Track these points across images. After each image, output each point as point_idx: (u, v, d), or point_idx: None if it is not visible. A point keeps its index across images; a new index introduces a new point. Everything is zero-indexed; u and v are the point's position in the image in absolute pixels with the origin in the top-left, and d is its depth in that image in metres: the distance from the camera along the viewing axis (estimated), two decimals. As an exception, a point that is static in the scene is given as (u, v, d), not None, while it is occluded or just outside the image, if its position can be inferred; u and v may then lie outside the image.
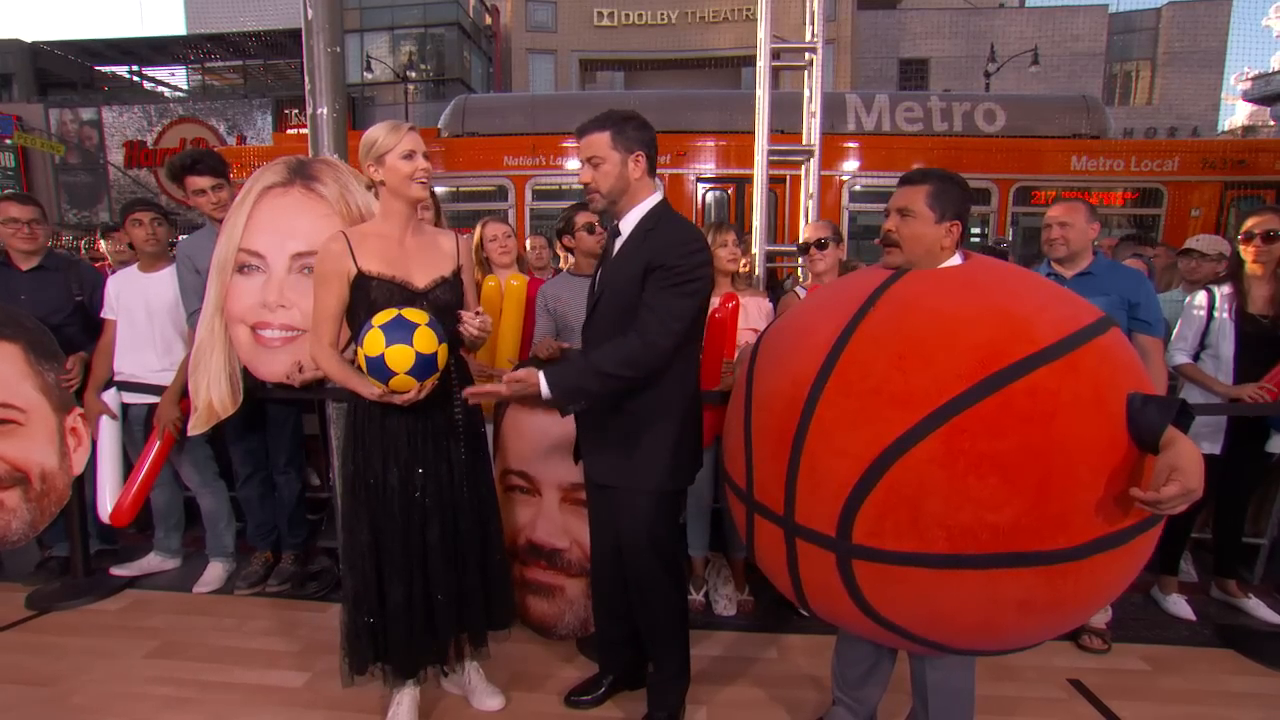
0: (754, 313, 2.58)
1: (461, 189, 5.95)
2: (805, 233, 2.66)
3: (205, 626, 2.51)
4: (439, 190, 5.69)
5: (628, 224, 1.77)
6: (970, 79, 18.45)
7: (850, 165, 5.54)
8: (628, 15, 20.13)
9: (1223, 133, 19.58)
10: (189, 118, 18.01)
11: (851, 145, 5.53)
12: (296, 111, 18.61)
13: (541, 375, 1.62)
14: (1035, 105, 6.21)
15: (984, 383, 1.16)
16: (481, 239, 2.70)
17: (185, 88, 22.67)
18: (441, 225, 2.66)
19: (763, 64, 2.91)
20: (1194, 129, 18.32)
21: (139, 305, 2.81)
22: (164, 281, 2.79)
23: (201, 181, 2.62)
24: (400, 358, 1.55)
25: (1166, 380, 2.39)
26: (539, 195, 5.76)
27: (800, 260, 3.04)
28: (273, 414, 2.86)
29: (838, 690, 1.79)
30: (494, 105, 6.66)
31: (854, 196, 5.52)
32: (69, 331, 2.80)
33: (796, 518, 1.34)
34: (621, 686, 2.07)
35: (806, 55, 3.01)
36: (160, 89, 22.44)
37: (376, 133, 1.75)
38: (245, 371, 2.53)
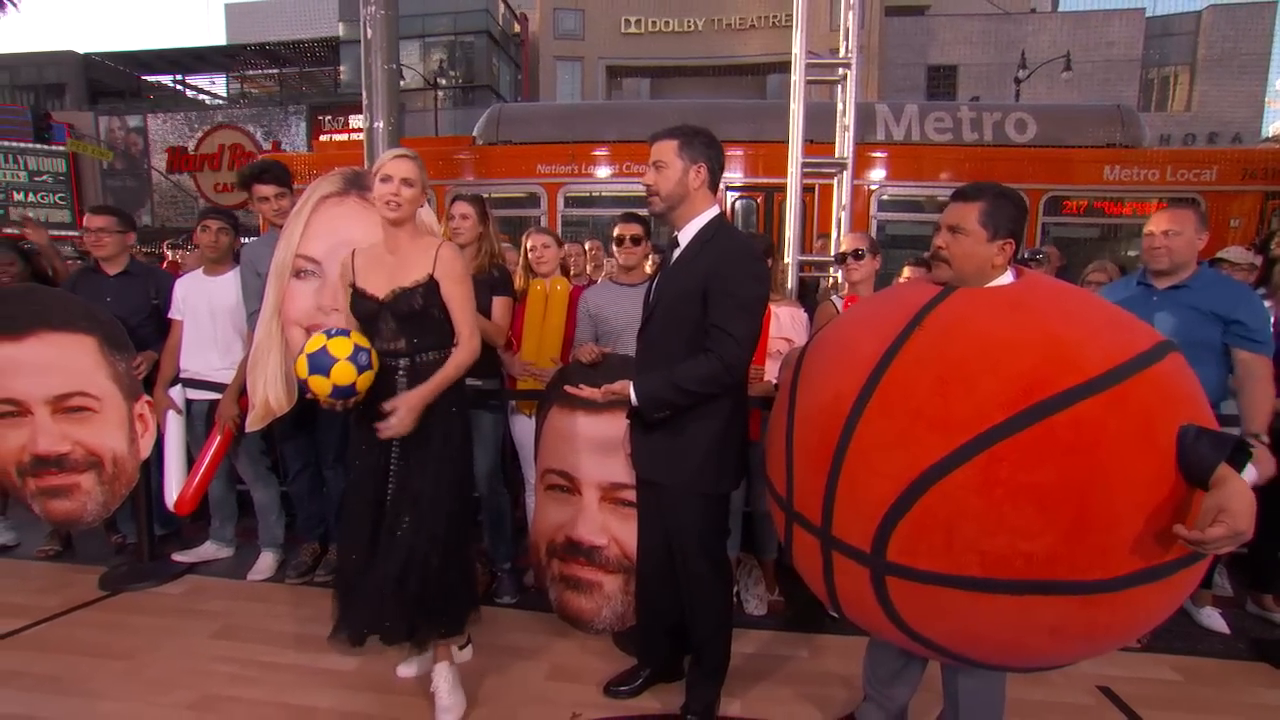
0: (786, 321, 2.66)
1: (494, 195, 6.09)
2: (842, 243, 2.73)
3: (260, 612, 2.64)
4: (469, 193, 5.86)
5: (686, 235, 1.85)
6: (1000, 86, 18.23)
7: (879, 174, 5.57)
8: (655, 23, 20.30)
9: (1265, 140, 19.02)
10: (228, 124, 18.59)
11: (880, 155, 5.56)
12: (329, 118, 19.13)
13: (632, 386, 1.76)
14: (1068, 115, 6.17)
15: (1026, 412, 1.15)
16: (525, 247, 2.82)
17: (225, 95, 23.40)
18: (487, 234, 2.77)
19: (797, 78, 2.99)
20: (1235, 136, 17.84)
21: (203, 307, 2.97)
22: (226, 285, 2.94)
23: (266, 190, 2.78)
24: (319, 387, 1.78)
25: (1275, 403, 2.20)
26: (571, 202, 5.88)
27: (834, 270, 3.11)
28: (321, 413, 2.99)
29: (868, 686, 1.84)
30: (527, 114, 6.82)
31: (882, 205, 5.54)
32: (144, 332, 2.99)
33: (834, 531, 1.37)
34: (658, 679, 2.15)
35: (840, 70, 3.08)
36: (201, 96, 23.20)
37: (382, 155, 1.94)
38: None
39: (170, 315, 3.00)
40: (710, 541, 1.91)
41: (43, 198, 14.13)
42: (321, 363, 1.75)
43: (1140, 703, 2.10)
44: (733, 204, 5.85)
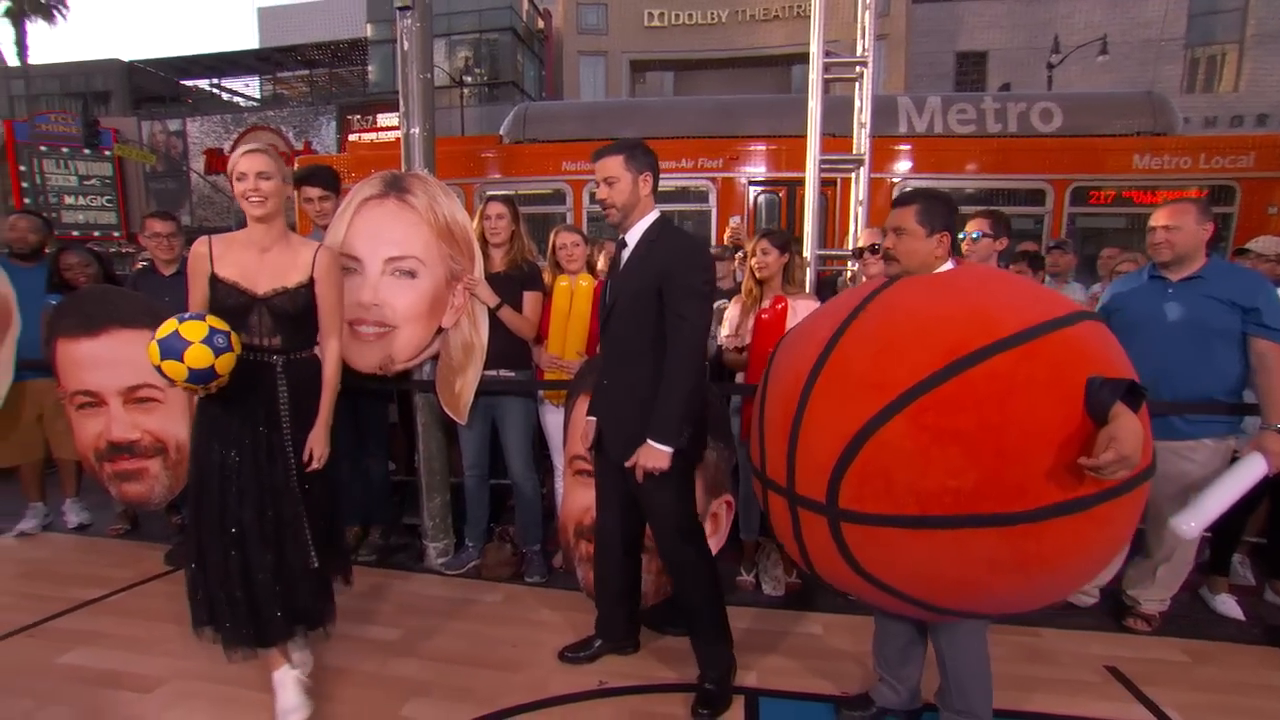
0: (803, 315, 2.74)
1: (521, 192, 6.24)
2: (860, 238, 2.81)
3: (309, 588, 2.84)
4: (502, 194, 6.02)
5: (633, 237, 2.04)
6: (1032, 72, 17.73)
7: (900, 167, 5.57)
8: (678, 16, 20.25)
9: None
10: (261, 125, 19.08)
11: (901, 148, 5.56)
12: (359, 117, 19.51)
13: (652, 444, 1.88)
14: (1096, 103, 6.08)
15: (946, 368, 1.33)
16: (554, 245, 2.95)
17: (258, 97, 24.01)
18: (518, 232, 2.92)
19: (815, 76, 3.07)
20: (1287, 116, 17.09)
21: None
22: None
23: (312, 192, 2.96)
24: (173, 372, 1.73)
25: None
26: (596, 199, 6.01)
27: (853, 264, 3.19)
28: (363, 404, 3.18)
29: (879, 669, 1.96)
30: (553, 112, 6.96)
31: (904, 198, 5.59)
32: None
33: (797, 489, 1.54)
34: (611, 650, 2.31)
35: (857, 68, 3.15)
36: (236, 99, 23.84)
37: (234, 154, 1.94)
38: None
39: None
40: (684, 513, 2.06)
41: (91, 200, 14.73)
42: (173, 347, 1.71)
43: (1145, 680, 2.17)
44: (755, 199, 5.91)
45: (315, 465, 1.98)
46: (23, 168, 13.60)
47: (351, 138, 16.78)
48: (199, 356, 1.72)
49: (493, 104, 19.33)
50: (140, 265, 3.36)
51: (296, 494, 1.95)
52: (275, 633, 1.89)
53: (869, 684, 2.04)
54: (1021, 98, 5.93)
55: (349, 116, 19.24)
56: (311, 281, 2.00)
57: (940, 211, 1.69)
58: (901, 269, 1.71)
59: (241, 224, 2.03)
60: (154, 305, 3.05)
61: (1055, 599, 1.58)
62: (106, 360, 2.88)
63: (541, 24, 22.67)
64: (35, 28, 20.56)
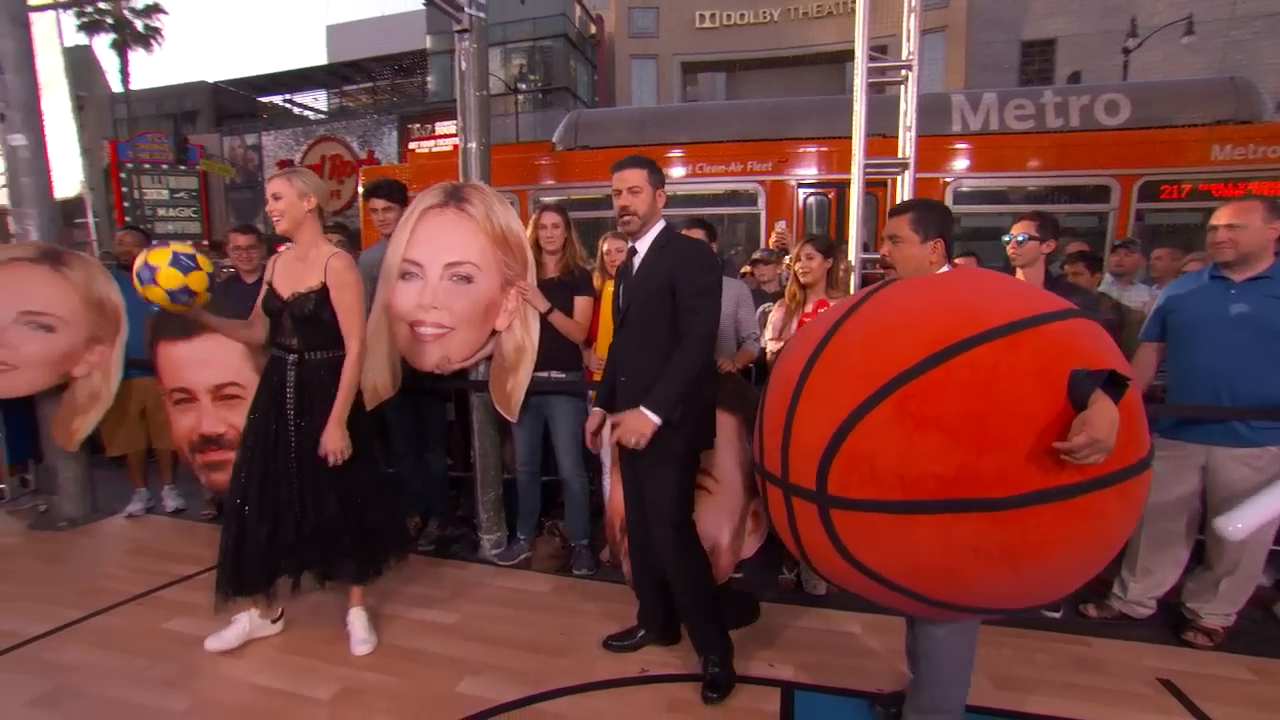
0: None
1: (573, 198, 6.41)
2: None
3: (375, 573, 3.05)
4: (552, 199, 6.22)
5: (643, 245, 2.17)
6: (1105, 59, 16.70)
7: (953, 166, 5.44)
8: (729, 16, 20.16)
9: None
10: (328, 137, 20.03)
11: (954, 147, 5.44)
12: (418, 125, 20.27)
13: (644, 410, 1.99)
14: (1169, 92, 5.75)
15: (930, 357, 1.37)
16: (603, 251, 3.08)
17: (326, 110, 25.26)
18: (570, 240, 3.06)
19: (859, 81, 3.08)
20: None
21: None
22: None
23: (377, 203, 3.18)
24: (154, 296, 2.01)
25: None
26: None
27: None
28: (424, 401, 3.39)
29: (910, 668, 1.97)
30: (604, 119, 7.11)
31: (958, 198, 5.43)
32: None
33: (790, 478, 1.58)
34: (653, 641, 2.40)
35: (902, 71, 3.14)
36: (306, 113, 25.17)
37: None
38: (403, 361, 3.04)
39: (298, 316, 3.49)
40: (679, 506, 2.15)
41: (180, 212, 15.89)
42: (143, 275, 1.98)
43: (1201, 695, 2.11)
44: (805, 201, 5.89)
45: (333, 461, 2.20)
46: (124, 185, 14.81)
47: (411, 145, 17.48)
48: (170, 277, 1.99)
49: (546, 109, 19.73)
50: (226, 274, 3.67)
51: (294, 479, 2.26)
52: (250, 587, 2.28)
53: (903, 683, 2.06)
54: (1085, 90, 5.70)
55: (409, 125, 20.00)
56: (324, 287, 2.20)
57: (934, 219, 1.76)
58: (900, 276, 1.78)
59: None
60: (239, 312, 3.35)
61: (1051, 596, 1.57)
62: (199, 361, 3.17)
63: (594, 29, 23.00)
64: (135, 56, 22.29)
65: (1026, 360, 1.34)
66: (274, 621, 2.49)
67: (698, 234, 2.86)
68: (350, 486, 2.31)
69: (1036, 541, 1.35)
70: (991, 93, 5.60)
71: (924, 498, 1.36)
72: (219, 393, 3.22)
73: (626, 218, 2.13)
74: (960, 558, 1.39)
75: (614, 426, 2.07)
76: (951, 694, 1.74)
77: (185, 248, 2.05)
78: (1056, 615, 2.61)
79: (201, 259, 2.06)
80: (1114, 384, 1.29)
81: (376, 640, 2.42)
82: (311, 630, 2.53)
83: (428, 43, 21.21)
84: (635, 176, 2.11)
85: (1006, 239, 2.58)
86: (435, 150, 15.71)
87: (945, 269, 1.76)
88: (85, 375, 3.54)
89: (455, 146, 3.26)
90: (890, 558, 1.48)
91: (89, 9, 20.05)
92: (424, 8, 2.91)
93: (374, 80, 24.66)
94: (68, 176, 6.07)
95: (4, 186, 5.73)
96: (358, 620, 2.43)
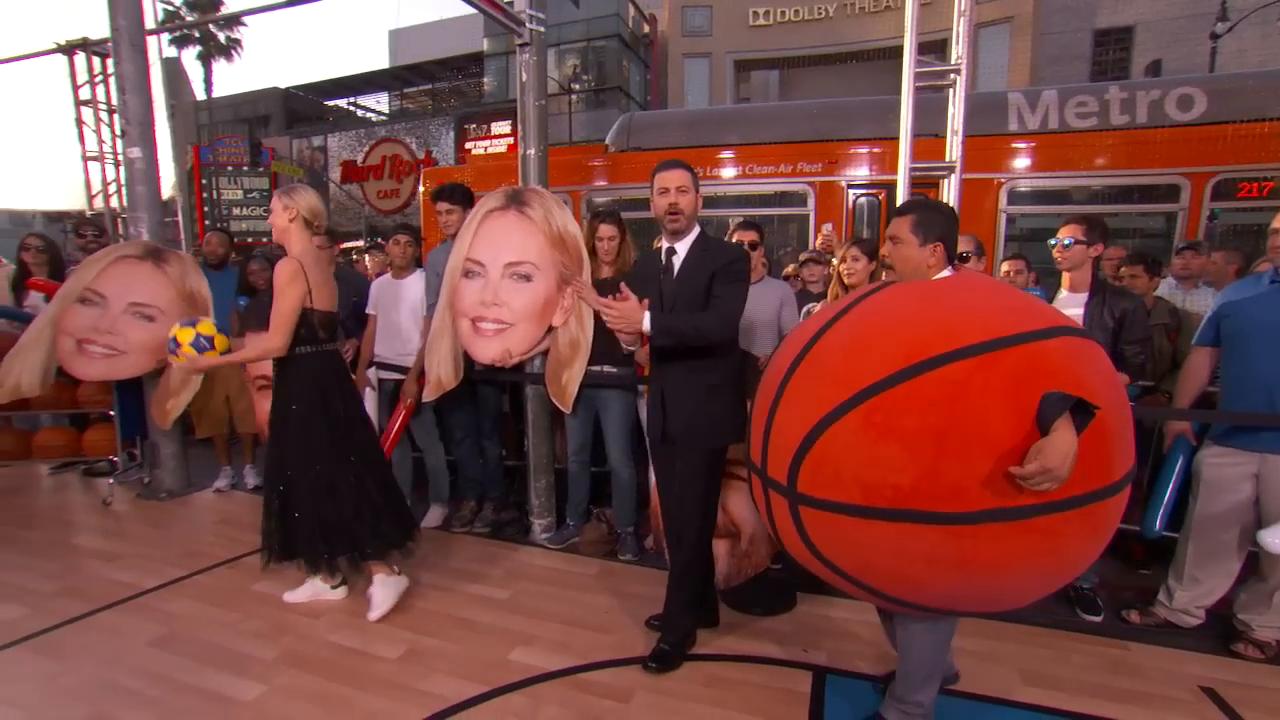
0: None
1: (624, 198, 6.56)
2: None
3: (433, 551, 3.28)
4: (603, 200, 6.39)
5: (683, 247, 2.29)
6: (1190, 46, 15.68)
7: (1008, 166, 5.33)
8: (783, 13, 19.94)
9: None
10: (389, 138, 20.78)
11: (1009, 146, 5.32)
12: (474, 126, 20.87)
13: (647, 314, 2.09)
14: (1251, 83, 5.41)
15: (902, 370, 1.40)
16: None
17: (387, 112, 26.24)
18: (625, 242, 3.23)
19: (907, 85, 3.12)
20: None
21: (391, 305, 3.67)
22: (410, 287, 3.63)
23: (442, 206, 3.40)
24: (175, 362, 2.60)
25: None
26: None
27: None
28: (481, 391, 3.60)
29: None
30: (656, 122, 7.24)
31: (1013, 198, 5.31)
32: (349, 325, 3.76)
33: (768, 472, 1.65)
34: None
35: (950, 75, 3.16)
36: (369, 115, 26.22)
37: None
38: (465, 355, 3.25)
39: (367, 311, 3.75)
40: (706, 503, 2.31)
41: (252, 211, 16.91)
42: (170, 345, 2.53)
43: (1246, 705, 2.09)
44: (854, 202, 5.87)
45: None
46: (204, 186, 15.87)
47: (467, 146, 18.00)
48: (189, 355, 2.54)
49: (599, 109, 19.98)
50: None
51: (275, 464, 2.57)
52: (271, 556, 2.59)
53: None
54: (1155, 84, 5.46)
55: (466, 125, 20.62)
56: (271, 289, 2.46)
57: (936, 222, 1.75)
58: (898, 277, 1.80)
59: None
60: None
61: (1011, 605, 1.56)
62: (279, 351, 3.47)
63: (646, 29, 23.14)
64: (217, 65, 23.78)
65: (997, 379, 1.35)
66: (334, 588, 2.77)
67: (750, 236, 2.96)
68: (278, 471, 2.57)
69: (990, 556, 1.38)
70: (1051, 90, 5.45)
71: (882, 505, 1.41)
72: (297, 380, 3.51)
73: (675, 215, 2.24)
74: (913, 564, 1.44)
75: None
76: (923, 684, 1.79)
77: (208, 328, 2.55)
78: (1097, 619, 2.62)
79: (218, 339, 2.57)
80: (1081, 411, 1.29)
81: (388, 610, 2.64)
82: (380, 598, 2.77)
83: (485, 45, 21.79)
84: (682, 177, 2.23)
85: (1052, 242, 2.59)
86: (491, 152, 16.17)
87: (946, 272, 1.76)
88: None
89: (510, 147, 3.46)
90: (849, 555, 1.55)
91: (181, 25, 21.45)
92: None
93: (433, 82, 25.46)
94: (161, 180, 6.72)
95: (113, 194, 6.36)
96: (374, 589, 2.66)
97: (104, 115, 5.93)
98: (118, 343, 3.72)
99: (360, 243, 13.22)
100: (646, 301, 2.10)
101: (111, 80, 5.67)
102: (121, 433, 4.07)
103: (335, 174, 20.82)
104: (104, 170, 6.14)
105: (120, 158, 3.68)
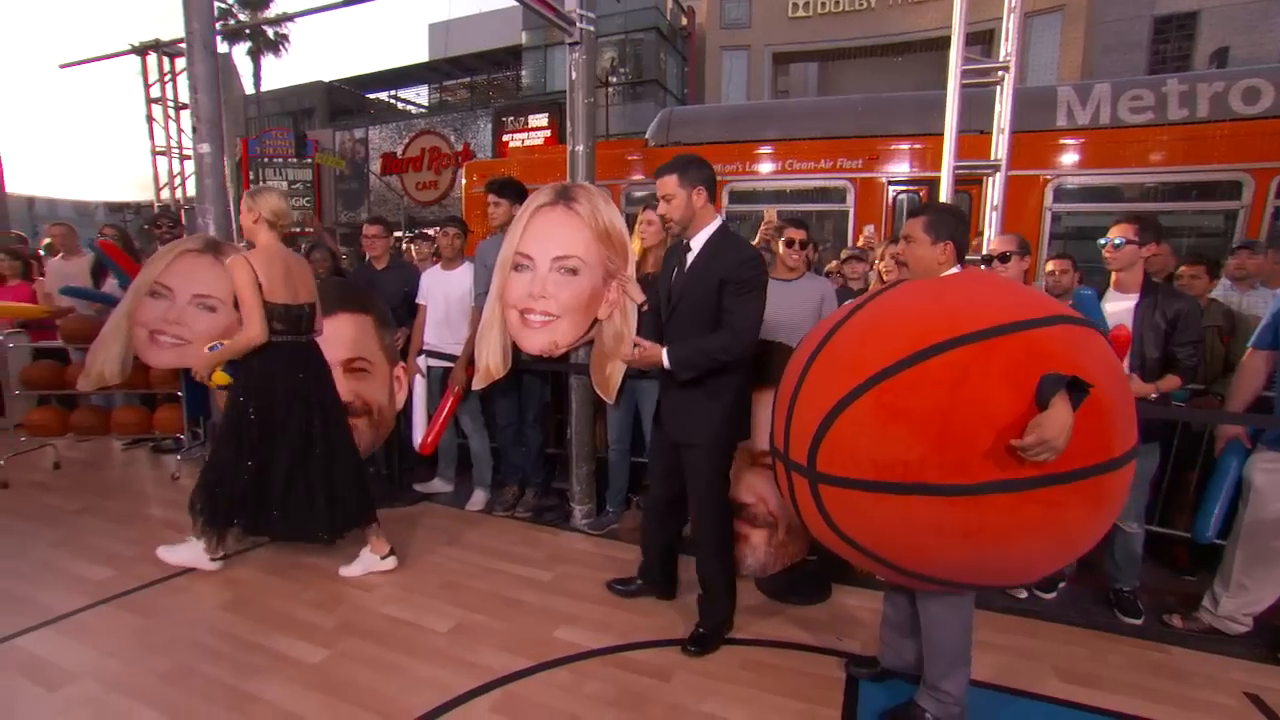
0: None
1: (663, 193, 6.62)
2: (991, 244, 2.84)
3: (476, 534, 3.43)
4: (641, 194, 6.45)
5: (697, 243, 2.28)
6: (1260, 32, 14.78)
7: (1055, 162, 5.21)
8: (824, 4, 19.61)
9: None
10: (427, 130, 21.17)
11: (1057, 142, 5.20)
12: (511, 118, 21.11)
13: (664, 351, 2.21)
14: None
15: (910, 356, 1.52)
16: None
17: (426, 105, 26.66)
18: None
19: (953, 83, 3.10)
20: None
21: (440, 295, 3.81)
22: (459, 277, 3.76)
23: (493, 198, 3.51)
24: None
25: None
26: (735, 197, 6.21)
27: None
28: (526, 381, 3.72)
29: (882, 634, 2.18)
30: (695, 116, 7.28)
31: (1059, 195, 5.19)
32: (400, 313, 3.93)
33: (790, 455, 1.77)
34: (649, 593, 2.73)
35: (998, 73, 3.13)
36: (409, 107, 26.69)
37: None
38: (514, 345, 3.37)
39: (418, 301, 3.90)
40: (717, 494, 2.39)
41: (296, 201, 17.51)
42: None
43: (1296, 713, 2.07)
44: (895, 198, 5.82)
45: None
46: (252, 178, 16.45)
47: (504, 138, 18.22)
48: (206, 354, 2.89)
49: (636, 102, 19.98)
50: (365, 259, 4.21)
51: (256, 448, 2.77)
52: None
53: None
54: (1218, 76, 5.25)
55: (503, 118, 20.87)
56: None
57: (947, 222, 1.88)
58: (910, 275, 1.91)
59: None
60: (370, 294, 3.81)
61: (1020, 578, 1.67)
62: (335, 337, 3.62)
63: (685, 21, 23.01)
64: (265, 60, 24.52)
65: (998, 363, 1.48)
66: (383, 559, 2.96)
67: (799, 234, 2.99)
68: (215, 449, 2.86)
69: (994, 526, 1.50)
70: (1104, 83, 5.31)
71: (893, 480, 1.53)
72: (349, 366, 3.68)
73: (666, 225, 2.33)
74: (923, 534, 1.56)
75: (635, 345, 2.30)
76: (950, 668, 1.86)
77: (222, 380, 2.86)
78: (1137, 622, 2.60)
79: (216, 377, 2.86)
80: (1077, 388, 1.39)
81: (360, 573, 2.89)
82: (432, 575, 2.94)
83: (523, 38, 21.96)
84: (666, 184, 2.22)
85: (1103, 242, 2.56)
86: (528, 144, 16.34)
87: (955, 270, 1.88)
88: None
89: (547, 140, 3.55)
90: (865, 528, 1.67)
91: (232, 22, 22.16)
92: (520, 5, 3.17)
93: (471, 75, 25.76)
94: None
95: (178, 186, 6.69)
96: (360, 557, 2.93)
97: (171, 112, 6.24)
98: (184, 332, 3.94)
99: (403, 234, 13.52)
100: (663, 352, 2.22)
101: (180, 79, 5.97)
102: (187, 412, 4.32)
103: (376, 166, 21.31)
104: (170, 164, 6.46)
105: (188, 152, 3.86)
